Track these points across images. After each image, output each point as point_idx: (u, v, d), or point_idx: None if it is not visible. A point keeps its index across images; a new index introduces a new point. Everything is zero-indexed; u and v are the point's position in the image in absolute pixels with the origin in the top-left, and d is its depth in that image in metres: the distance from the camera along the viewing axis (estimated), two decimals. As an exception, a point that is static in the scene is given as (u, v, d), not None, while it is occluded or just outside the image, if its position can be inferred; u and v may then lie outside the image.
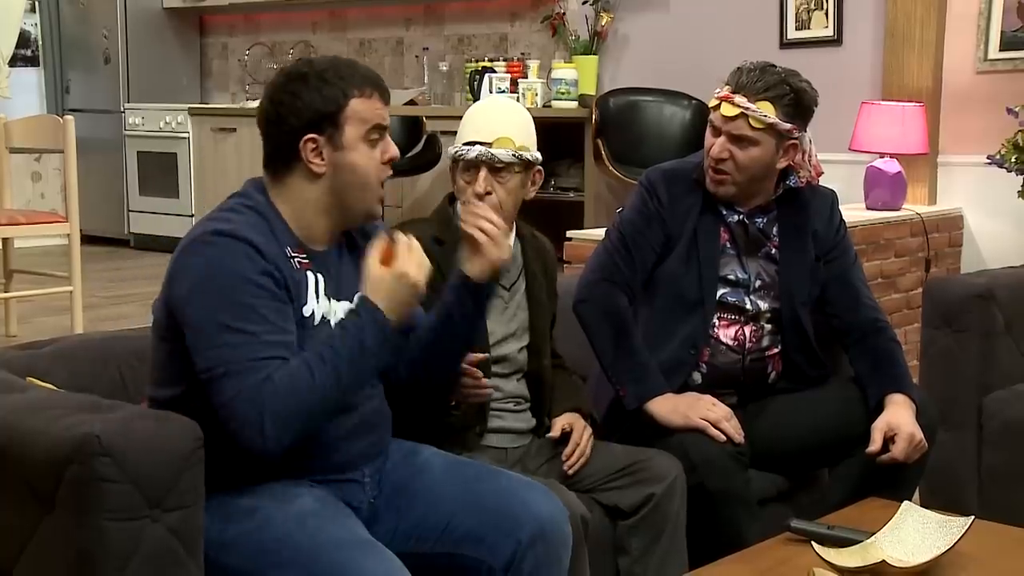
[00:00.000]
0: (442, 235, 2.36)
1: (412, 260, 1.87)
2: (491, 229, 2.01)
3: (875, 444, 2.45)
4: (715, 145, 2.51)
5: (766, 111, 2.47)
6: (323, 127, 1.89)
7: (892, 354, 2.61)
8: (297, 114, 1.89)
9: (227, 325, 1.78)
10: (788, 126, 2.49)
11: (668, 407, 2.46)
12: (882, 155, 4.75)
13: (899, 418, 2.47)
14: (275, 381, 1.77)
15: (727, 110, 2.48)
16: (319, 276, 1.93)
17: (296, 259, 1.90)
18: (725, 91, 2.50)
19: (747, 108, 2.46)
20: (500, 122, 2.36)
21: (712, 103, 2.54)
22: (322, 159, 1.91)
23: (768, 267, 2.62)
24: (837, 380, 2.72)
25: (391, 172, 1.98)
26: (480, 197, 2.32)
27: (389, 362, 1.92)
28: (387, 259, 1.88)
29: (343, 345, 1.82)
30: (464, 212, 2.07)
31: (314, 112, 1.89)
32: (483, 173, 2.33)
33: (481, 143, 2.33)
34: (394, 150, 1.97)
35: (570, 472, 2.36)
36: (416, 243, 1.89)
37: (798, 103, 2.51)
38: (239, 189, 1.98)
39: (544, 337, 2.48)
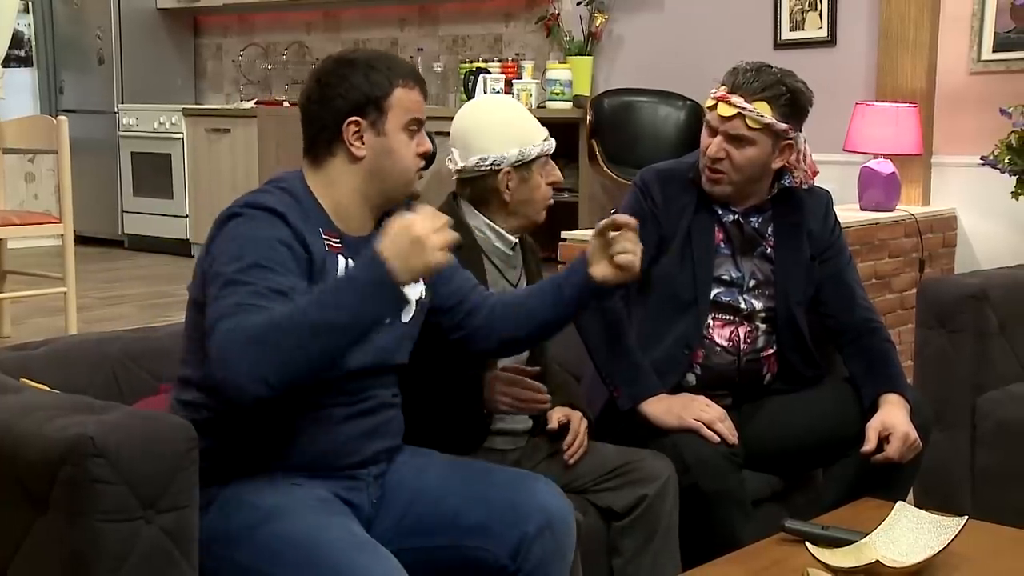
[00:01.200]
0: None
1: (427, 221, 1.78)
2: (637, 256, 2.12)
3: (870, 443, 2.45)
4: (712, 145, 2.52)
5: (762, 111, 2.48)
6: (367, 111, 1.96)
7: (886, 354, 2.62)
8: (344, 95, 1.95)
9: (232, 280, 1.80)
10: (784, 126, 2.50)
11: (662, 408, 2.46)
12: (876, 156, 4.76)
13: (894, 418, 2.47)
14: (255, 315, 1.74)
15: (724, 110, 2.49)
16: (349, 261, 1.95)
17: (327, 241, 1.92)
18: (722, 91, 2.51)
19: (744, 108, 2.47)
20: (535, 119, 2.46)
21: (708, 103, 2.54)
22: (363, 143, 1.96)
23: (763, 266, 2.62)
24: (831, 381, 2.72)
25: (424, 165, 2.04)
26: (553, 184, 2.42)
27: (379, 311, 1.79)
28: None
29: (335, 279, 1.81)
30: (620, 240, 2.10)
31: (361, 95, 1.95)
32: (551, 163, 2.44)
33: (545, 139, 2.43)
34: (428, 144, 2.03)
35: (571, 463, 2.37)
36: (444, 217, 1.81)
37: (794, 103, 2.51)
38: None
39: None
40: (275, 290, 1.78)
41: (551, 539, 1.95)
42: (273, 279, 1.80)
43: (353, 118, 1.95)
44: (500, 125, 2.39)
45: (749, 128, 2.48)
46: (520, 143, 2.37)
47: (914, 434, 2.46)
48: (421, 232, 1.77)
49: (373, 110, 1.96)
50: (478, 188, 2.39)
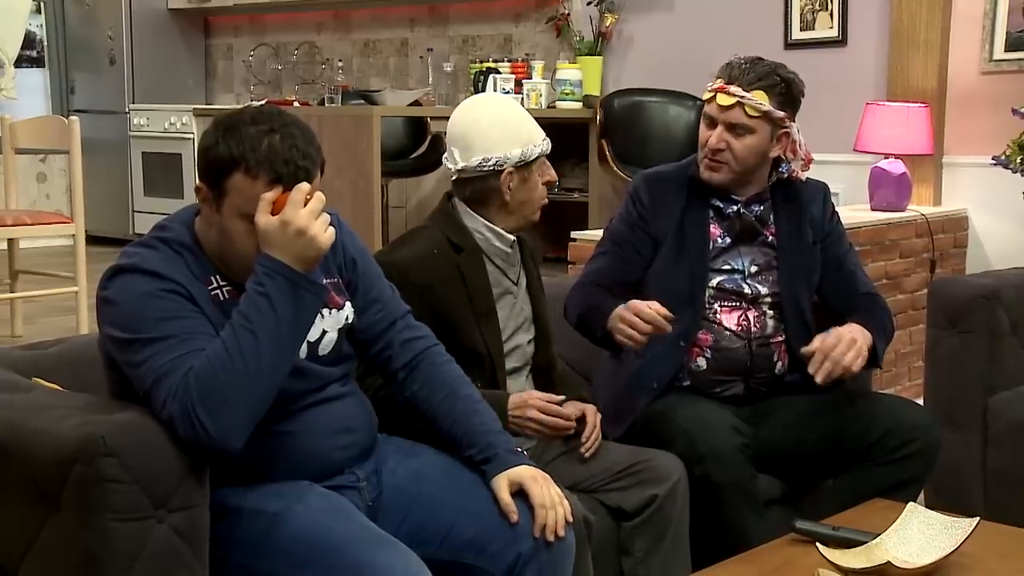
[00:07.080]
0: (461, 242, 2.38)
1: (300, 209, 1.76)
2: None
3: (811, 344, 2.44)
4: (712, 136, 2.58)
5: (760, 99, 2.53)
6: None
7: (872, 312, 2.61)
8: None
9: (144, 339, 1.76)
10: (781, 114, 2.56)
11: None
12: (887, 156, 4.75)
13: (848, 328, 2.46)
14: (196, 369, 1.73)
15: (723, 100, 2.55)
16: None
17: (223, 288, 1.87)
18: (719, 83, 2.57)
19: (743, 97, 2.53)
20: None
21: (706, 95, 2.60)
22: None
23: (765, 252, 2.66)
24: (843, 391, 2.71)
25: None
26: (548, 184, 2.42)
27: (308, 310, 1.81)
28: (278, 211, 1.77)
29: (249, 306, 1.76)
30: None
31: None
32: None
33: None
34: None
35: (587, 455, 2.38)
36: (320, 197, 1.79)
37: (789, 92, 2.58)
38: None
39: (548, 326, 2.53)
40: (193, 337, 1.76)
41: (547, 558, 1.91)
42: (182, 325, 1.77)
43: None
44: (503, 125, 2.38)
45: (749, 116, 2.54)
46: (522, 143, 2.37)
47: (860, 343, 2.43)
48: (303, 223, 1.76)
49: None
50: (477, 188, 2.39)
